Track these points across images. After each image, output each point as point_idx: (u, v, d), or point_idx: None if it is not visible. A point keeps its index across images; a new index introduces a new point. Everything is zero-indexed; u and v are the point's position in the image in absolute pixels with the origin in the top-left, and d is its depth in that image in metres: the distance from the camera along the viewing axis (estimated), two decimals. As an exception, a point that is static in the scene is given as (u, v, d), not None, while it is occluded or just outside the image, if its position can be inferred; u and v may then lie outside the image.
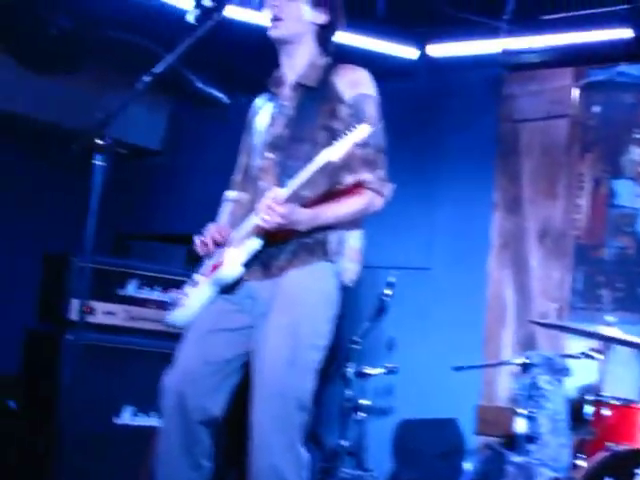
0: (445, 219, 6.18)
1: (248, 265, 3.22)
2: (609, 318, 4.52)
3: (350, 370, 5.23)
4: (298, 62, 3.40)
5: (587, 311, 5.69)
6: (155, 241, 6.27)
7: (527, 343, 5.79)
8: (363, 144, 3.15)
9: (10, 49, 5.49)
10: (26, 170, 6.27)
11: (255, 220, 3.13)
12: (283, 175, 3.18)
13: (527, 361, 4.43)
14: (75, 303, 4.64)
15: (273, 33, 3.36)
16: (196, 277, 3.35)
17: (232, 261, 3.18)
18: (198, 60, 3.50)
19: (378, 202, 3.30)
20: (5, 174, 6.22)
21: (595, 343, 4.77)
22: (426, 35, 5.90)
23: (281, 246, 3.21)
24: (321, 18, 3.40)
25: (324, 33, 3.44)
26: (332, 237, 3.26)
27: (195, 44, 3.36)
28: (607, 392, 4.57)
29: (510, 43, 5.69)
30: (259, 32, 5.42)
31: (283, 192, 3.04)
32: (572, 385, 5.24)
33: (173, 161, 6.89)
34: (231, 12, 3.48)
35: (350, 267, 3.32)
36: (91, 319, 4.77)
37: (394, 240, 6.18)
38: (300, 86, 3.36)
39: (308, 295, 3.19)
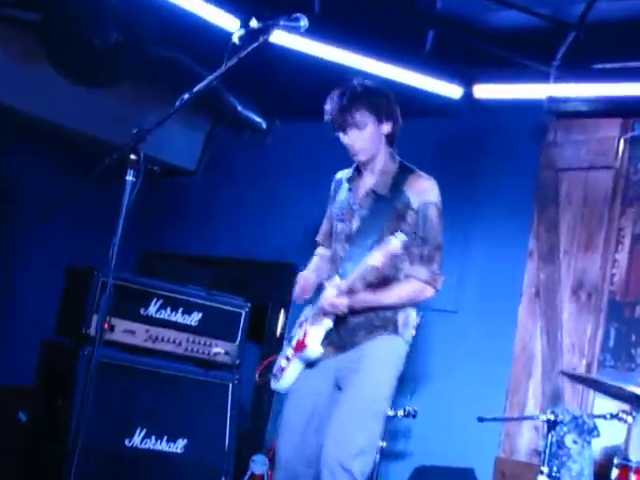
0: (478, 262, 6.15)
1: (325, 342, 3.90)
2: (645, 378, 4.44)
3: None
4: (376, 169, 3.99)
5: (617, 370, 5.60)
6: (181, 262, 6.27)
7: (553, 397, 5.71)
8: (422, 241, 3.87)
9: (53, 59, 5.51)
10: (58, 179, 6.28)
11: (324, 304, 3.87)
12: (348, 261, 3.89)
13: (553, 417, 4.34)
14: (95, 319, 4.65)
15: (359, 159, 3.97)
16: (287, 351, 4.04)
17: (313, 341, 3.88)
18: (238, 83, 3.52)
19: (429, 292, 3.93)
20: (35, 181, 6.25)
21: (623, 404, 4.67)
22: (473, 75, 5.88)
23: (351, 326, 3.90)
24: (387, 128, 3.95)
25: (391, 138, 4.00)
26: (400, 315, 3.92)
27: (237, 66, 3.38)
28: (632, 456, 4.46)
29: (558, 90, 5.67)
30: (301, 58, 5.53)
31: (343, 284, 3.80)
32: (597, 446, 5.18)
33: (206, 182, 6.89)
34: (275, 37, 3.48)
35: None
36: (110, 336, 4.79)
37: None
38: (374, 193, 3.95)
39: (382, 363, 3.89)
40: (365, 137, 3.89)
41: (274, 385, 4.10)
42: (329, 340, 3.91)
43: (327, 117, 3.91)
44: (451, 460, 5.74)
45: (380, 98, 3.91)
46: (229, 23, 5.35)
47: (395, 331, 3.89)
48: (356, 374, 3.84)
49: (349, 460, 3.70)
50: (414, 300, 3.94)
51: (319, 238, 4.28)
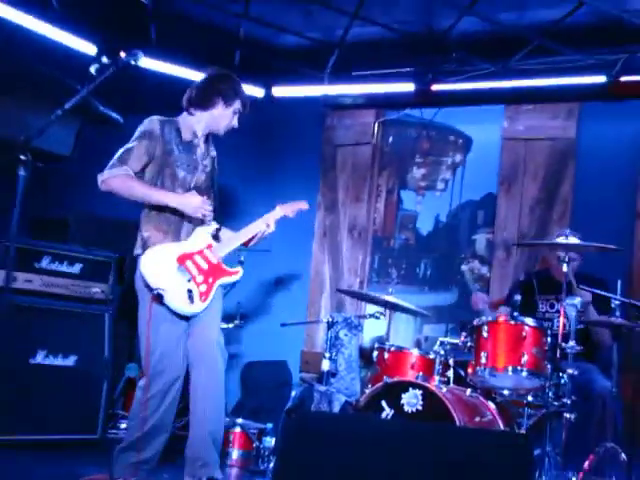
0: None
1: None
2: (391, 289, 4.96)
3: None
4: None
5: (380, 284, 6.20)
6: (62, 225, 6.25)
7: (339, 306, 6.26)
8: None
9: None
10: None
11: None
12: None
13: (331, 320, 4.80)
14: (2, 273, 4.73)
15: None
16: (199, 277, 3.82)
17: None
18: (99, 88, 3.73)
19: None
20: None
21: (380, 307, 5.19)
22: (271, 80, 6.26)
23: None
24: None
25: None
26: None
27: (95, 87, 3.64)
28: (390, 342, 4.99)
29: (331, 89, 6.15)
30: (144, 71, 5.77)
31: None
32: (369, 336, 5.72)
33: (78, 166, 6.92)
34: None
35: None
36: (14, 285, 4.87)
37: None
38: (212, 158, 3.95)
39: None
40: None
41: (193, 309, 3.80)
42: None
43: (245, 101, 3.94)
44: (271, 356, 6.09)
45: None
46: (86, 47, 5.64)
47: None
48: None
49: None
50: None
51: (134, 165, 3.79)
